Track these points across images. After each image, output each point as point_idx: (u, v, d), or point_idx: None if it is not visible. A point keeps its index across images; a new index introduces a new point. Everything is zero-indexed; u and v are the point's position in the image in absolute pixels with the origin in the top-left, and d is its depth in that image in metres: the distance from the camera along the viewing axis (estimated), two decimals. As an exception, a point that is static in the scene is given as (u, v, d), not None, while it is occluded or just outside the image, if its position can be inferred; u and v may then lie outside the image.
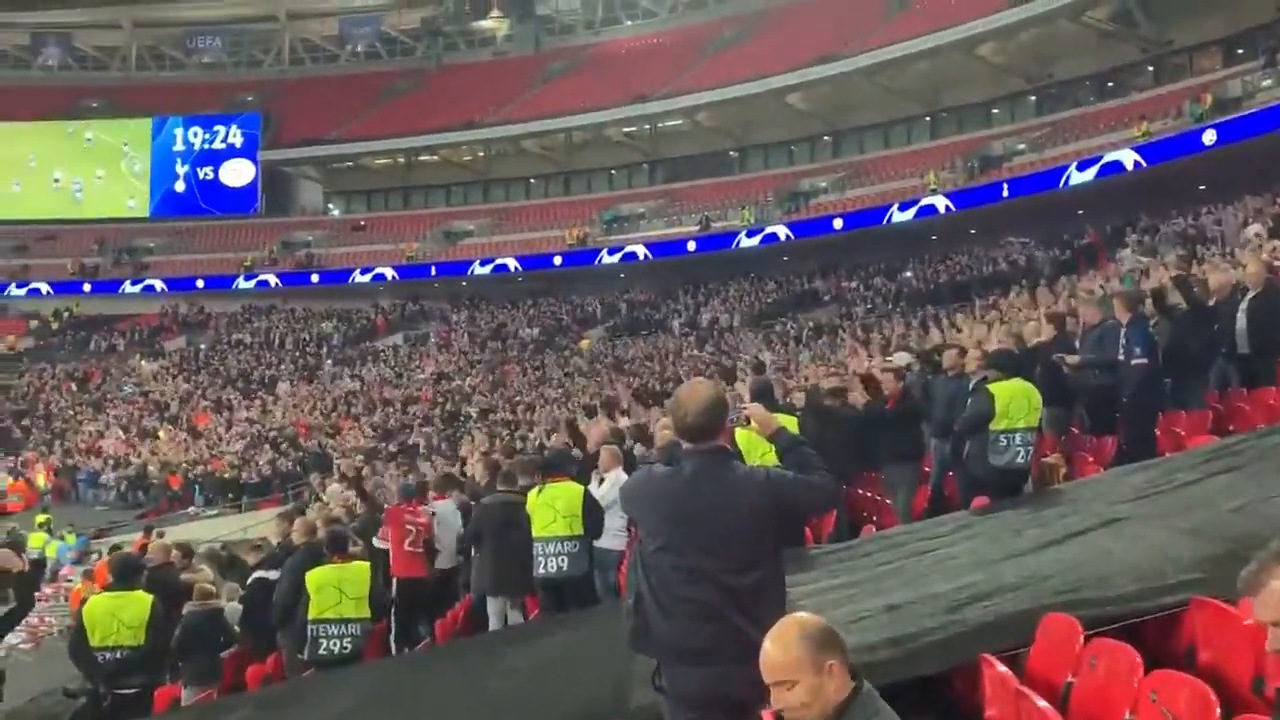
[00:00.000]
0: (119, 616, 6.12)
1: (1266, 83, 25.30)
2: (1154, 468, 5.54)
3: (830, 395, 8.26)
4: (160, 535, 16.32)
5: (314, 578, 6.60)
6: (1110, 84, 31.47)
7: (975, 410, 6.56)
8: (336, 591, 6.52)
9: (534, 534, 6.95)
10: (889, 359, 9.80)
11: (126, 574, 6.40)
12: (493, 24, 45.91)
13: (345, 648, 6.49)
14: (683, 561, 3.09)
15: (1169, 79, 29.57)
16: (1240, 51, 28.08)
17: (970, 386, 7.08)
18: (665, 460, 3.34)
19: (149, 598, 6.27)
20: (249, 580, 7.85)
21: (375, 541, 8.30)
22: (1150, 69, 30.64)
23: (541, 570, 6.87)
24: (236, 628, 7.44)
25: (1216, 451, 5.28)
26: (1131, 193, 25.42)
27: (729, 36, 39.27)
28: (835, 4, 36.59)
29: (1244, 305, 7.40)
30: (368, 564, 6.84)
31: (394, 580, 7.83)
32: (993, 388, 6.51)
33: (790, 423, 5.95)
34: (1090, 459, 6.90)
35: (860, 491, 8.26)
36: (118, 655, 6.07)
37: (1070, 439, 7.66)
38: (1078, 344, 7.68)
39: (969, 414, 6.65)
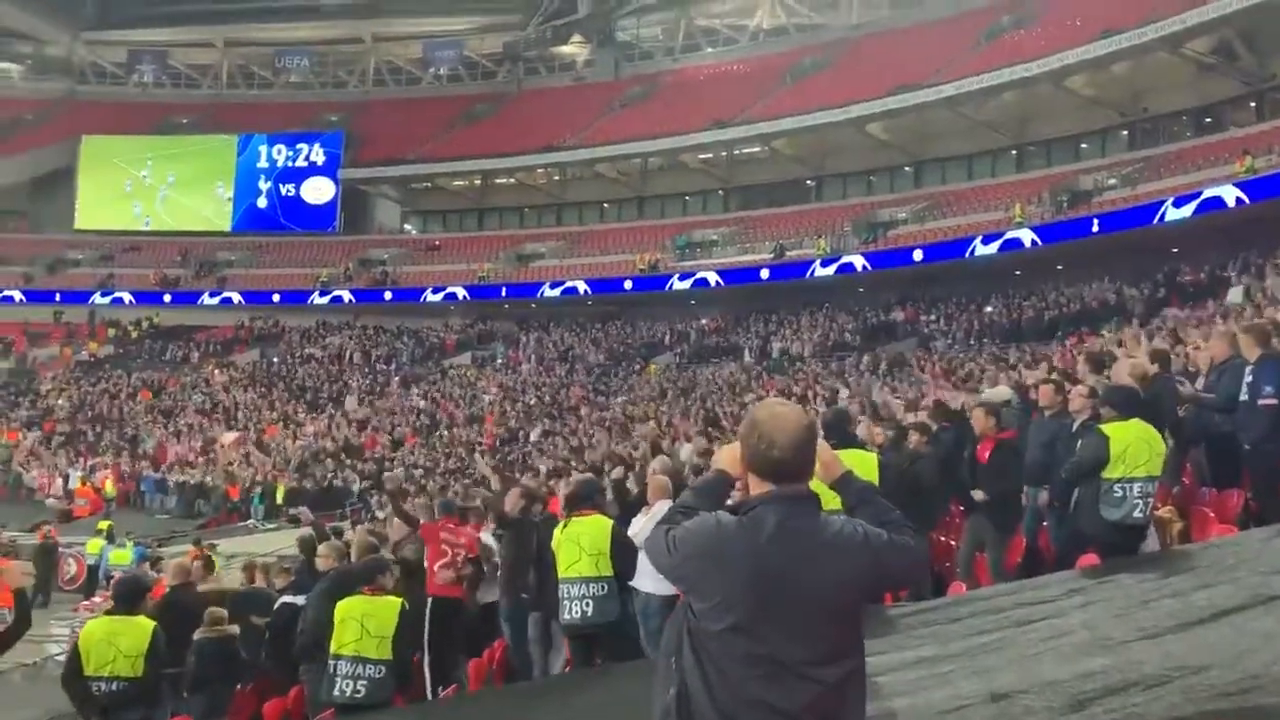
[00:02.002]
0: (116, 644, 5.61)
1: (1381, 119, 23.94)
2: (1305, 531, 4.74)
3: (916, 430, 7.50)
4: (213, 548, 16.18)
5: (340, 608, 6.05)
6: (1208, 119, 30.15)
7: (1087, 455, 5.70)
8: (358, 626, 5.93)
9: (558, 575, 6.18)
10: (985, 392, 8.96)
11: (129, 597, 5.89)
12: (573, 49, 46.12)
13: (358, 691, 5.86)
14: (761, 649, 2.33)
15: (1272, 114, 28.20)
16: (1349, 87, 26.69)
17: (1074, 427, 6.31)
18: (718, 506, 2.53)
19: (150, 624, 5.77)
20: (275, 605, 7.37)
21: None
22: (1252, 104, 29.28)
23: (566, 616, 6.09)
24: (263, 655, 6.97)
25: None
26: (1232, 231, 24.16)
27: (809, 65, 38.77)
28: (920, 34, 35.92)
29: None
30: (399, 601, 6.20)
31: (429, 600, 7.21)
32: (1108, 429, 5.65)
33: (867, 463, 5.30)
34: (1211, 514, 6.07)
35: (942, 539, 7.45)
36: (113, 687, 5.57)
37: (1185, 490, 6.81)
38: (1199, 384, 6.86)
39: (1080, 458, 5.80)
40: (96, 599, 15.10)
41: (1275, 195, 23.15)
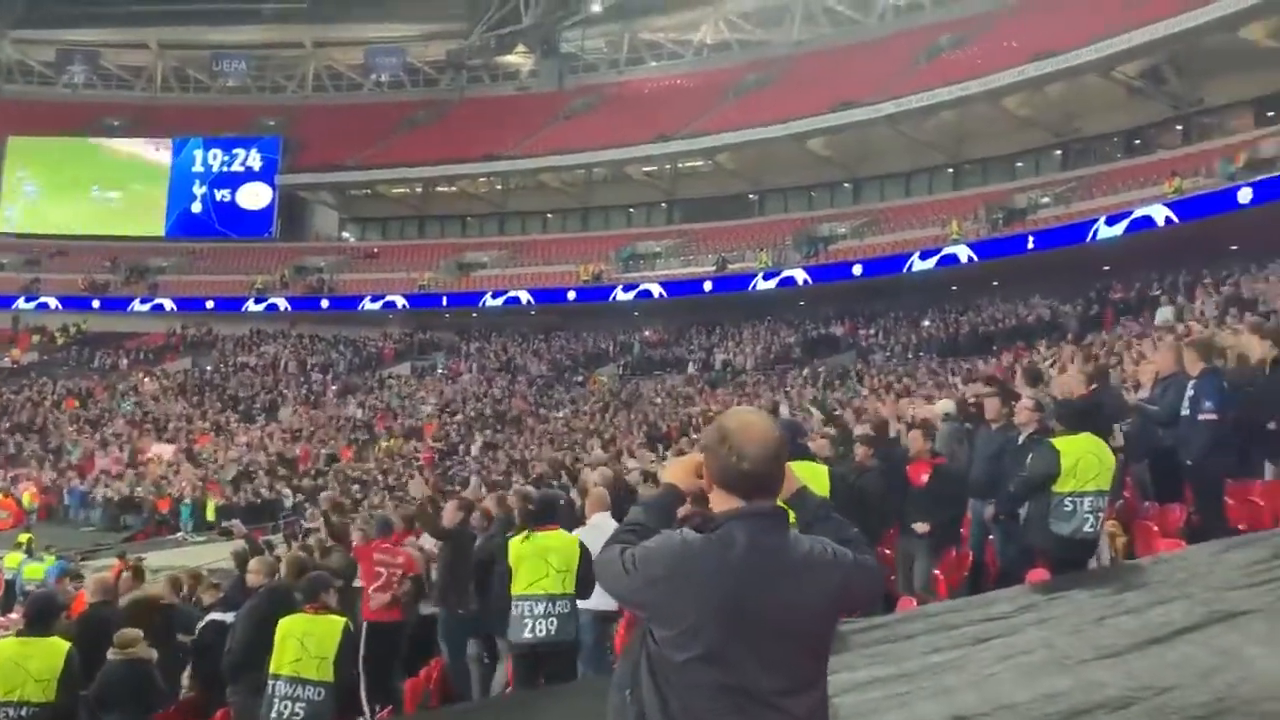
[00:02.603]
0: (25, 667, 5.21)
1: (1302, 144, 24.76)
2: (1254, 545, 4.71)
3: (862, 443, 7.46)
4: (139, 561, 15.62)
5: (282, 626, 5.78)
6: (1137, 141, 30.95)
7: (1038, 468, 5.66)
8: (298, 645, 5.65)
9: (516, 590, 5.89)
10: (928, 406, 8.97)
11: (40, 616, 5.47)
12: (517, 59, 45.91)
13: (296, 714, 5.57)
14: (730, 679, 2.16)
15: (1199, 138, 29.06)
16: (1271, 114, 27.55)
17: (1020, 440, 6.29)
18: (669, 523, 2.34)
19: (64, 646, 5.39)
20: (201, 623, 7.05)
21: (357, 582, 7.52)
22: (1179, 127, 30.12)
23: (527, 634, 5.81)
24: (186, 677, 6.64)
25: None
26: (1161, 250, 24.78)
27: (752, 81, 39.05)
28: (861, 53, 36.42)
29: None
30: (343, 620, 5.93)
31: (364, 624, 6.95)
32: (1058, 443, 5.61)
33: (819, 475, 5.23)
34: (1155, 528, 6.09)
35: (887, 551, 7.40)
36: (22, 713, 5.16)
37: (1127, 504, 6.84)
38: (1142, 394, 6.91)
39: (1029, 473, 5.77)
40: (13, 615, 14.47)
41: (1202, 216, 23.82)
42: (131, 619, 6.40)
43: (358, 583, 7.66)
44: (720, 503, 2.30)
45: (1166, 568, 4.76)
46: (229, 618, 6.65)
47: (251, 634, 6.00)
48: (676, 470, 2.48)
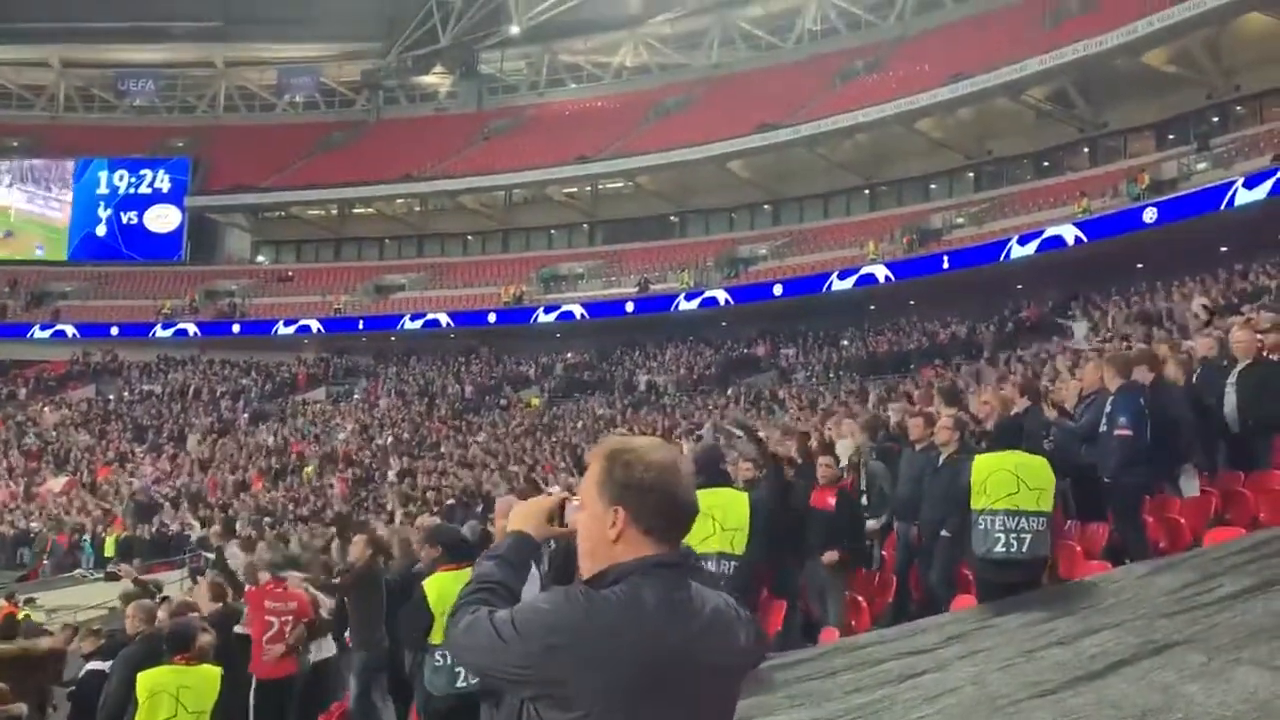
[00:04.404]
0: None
1: (1201, 166, 25.63)
2: (1180, 568, 4.58)
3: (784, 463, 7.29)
4: (31, 601, 14.83)
5: (146, 680, 5.28)
6: (1046, 163, 31.75)
7: (954, 486, 5.54)
8: (172, 701, 5.18)
9: None
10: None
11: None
12: (435, 80, 45.43)
13: (171, 774, 5.19)
14: None
15: (1104, 160, 29.93)
16: (1171, 137, 28.52)
17: (940, 460, 6.17)
18: (524, 578, 2.00)
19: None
20: (80, 673, 6.54)
21: (237, 629, 7.02)
22: (1085, 150, 31.00)
23: (461, 683, 5.07)
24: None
25: (1255, 549, 4.38)
26: (1071, 269, 25.38)
27: (672, 103, 39.23)
28: (778, 75, 36.81)
29: (1232, 379, 6.68)
30: (218, 670, 5.49)
31: (253, 681, 6.49)
32: (977, 459, 5.49)
33: (739, 501, 5.02)
34: (1079, 548, 6.00)
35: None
36: None
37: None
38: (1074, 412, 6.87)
39: (943, 491, 5.67)
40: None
41: (1110, 235, 24.47)
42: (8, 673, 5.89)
43: (241, 629, 7.16)
44: (622, 551, 1.91)
45: (1095, 591, 4.59)
46: (109, 666, 6.17)
47: (127, 684, 5.53)
48: (528, 515, 2.12)
